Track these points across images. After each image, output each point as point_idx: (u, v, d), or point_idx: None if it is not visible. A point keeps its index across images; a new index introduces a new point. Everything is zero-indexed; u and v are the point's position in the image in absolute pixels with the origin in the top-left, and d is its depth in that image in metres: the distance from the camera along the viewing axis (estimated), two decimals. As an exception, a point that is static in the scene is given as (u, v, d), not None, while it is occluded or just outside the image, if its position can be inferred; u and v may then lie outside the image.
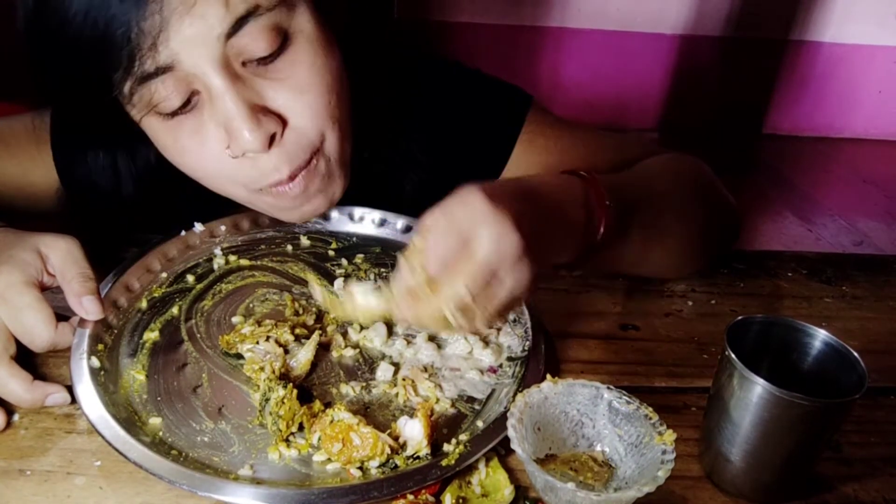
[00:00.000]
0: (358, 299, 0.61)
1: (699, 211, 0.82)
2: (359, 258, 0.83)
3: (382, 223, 0.88)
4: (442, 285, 0.54)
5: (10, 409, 0.62)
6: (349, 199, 0.85)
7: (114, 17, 0.59)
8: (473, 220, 0.54)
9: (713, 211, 0.85)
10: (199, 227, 0.83)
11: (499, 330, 0.72)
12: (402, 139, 0.90)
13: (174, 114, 0.66)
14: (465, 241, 0.54)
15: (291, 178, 0.71)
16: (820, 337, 0.59)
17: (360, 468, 0.57)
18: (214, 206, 0.84)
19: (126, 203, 0.83)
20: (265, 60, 0.66)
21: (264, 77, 0.67)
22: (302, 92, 0.68)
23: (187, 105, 0.66)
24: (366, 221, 0.88)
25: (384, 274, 0.81)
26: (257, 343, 0.67)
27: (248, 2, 0.62)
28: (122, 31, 0.60)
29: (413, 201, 0.89)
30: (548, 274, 0.65)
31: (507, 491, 0.57)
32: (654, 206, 0.75)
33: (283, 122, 0.68)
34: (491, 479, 0.58)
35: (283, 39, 0.66)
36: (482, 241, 0.53)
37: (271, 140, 0.68)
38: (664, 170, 0.83)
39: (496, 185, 0.58)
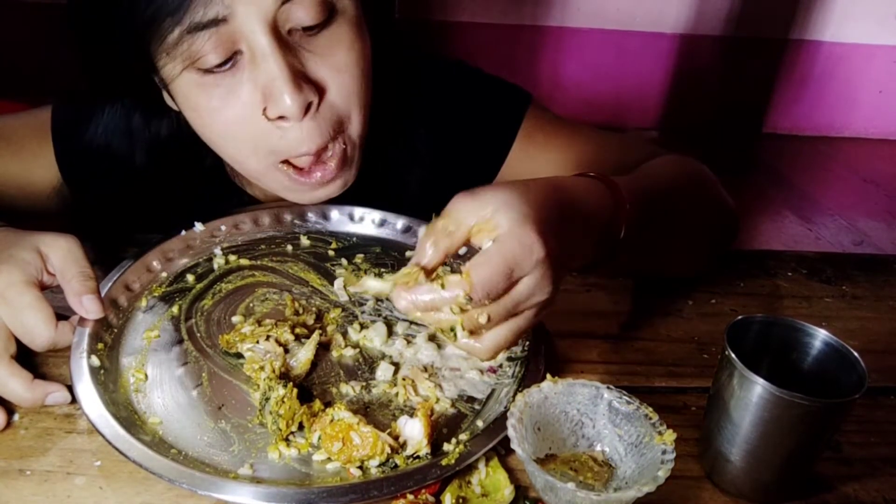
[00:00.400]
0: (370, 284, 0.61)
1: (702, 213, 0.83)
2: (359, 258, 0.83)
3: (382, 223, 0.88)
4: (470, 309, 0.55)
5: (10, 409, 0.62)
6: (353, 197, 0.86)
7: None
8: (524, 263, 0.54)
9: (714, 212, 0.85)
10: (199, 226, 0.83)
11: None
12: (406, 137, 0.90)
13: (212, 71, 0.67)
14: (510, 277, 0.54)
15: (317, 154, 0.72)
16: (820, 337, 0.59)
17: (360, 467, 0.57)
18: (214, 191, 0.84)
19: (130, 182, 0.83)
20: (309, 31, 0.68)
21: (308, 49, 0.69)
22: (339, 71, 0.71)
23: (227, 63, 0.67)
24: (366, 221, 0.88)
25: (384, 274, 0.81)
26: (257, 342, 0.67)
27: None
28: None
29: (416, 198, 0.90)
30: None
31: (507, 491, 0.57)
32: (663, 209, 0.75)
33: (320, 93, 0.70)
34: (491, 478, 0.58)
35: (329, 14, 0.68)
36: (528, 281, 0.55)
37: (307, 109, 0.69)
38: (668, 172, 0.83)
39: (542, 204, 0.57)
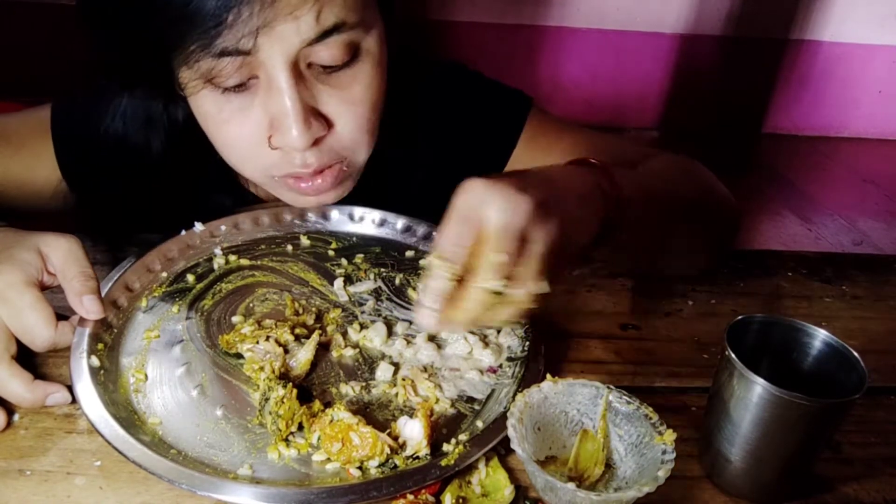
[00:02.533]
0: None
1: (703, 209, 0.83)
2: (359, 258, 0.83)
3: (382, 223, 0.88)
4: (475, 268, 0.54)
5: (10, 409, 0.62)
6: (355, 201, 0.86)
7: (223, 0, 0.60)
8: (479, 201, 0.54)
9: (716, 209, 0.86)
10: (199, 226, 0.83)
11: (498, 331, 0.72)
12: (408, 141, 0.90)
13: (226, 89, 0.67)
14: (478, 223, 0.54)
15: (315, 172, 0.73)
16: (820, 337, 0.59)
17: (360, 468, 0.57)
18: (217, 188, 0.85)
19: (131, 178, 0.84)
20: (331, 69, 0.68)
21: (323, 83, 0.69)
22: (354, 105, 0.71)
23: (243, 85, 0.67)
24: (366, 221, 0.88)
25: (384, 274, 0.81)
26: (257, 343, 0.67)
27: (337, 17, 0.65)
28: (224, 14, 0.60)
29: (418, 202, 0.90)
30: (573, 257, 0.65)
31: (507, 491, 0.57)
32: (659, 203, 0.75)
33: (329, 126, 0.70)
34: (491, 479, 0.58)
35: (352, 55, 0.69)
36: (492, 212, 0.54)
37: (313, 143, 0.70)
38: (667, 170, 0.84)
39: (497, 174, 0.58)
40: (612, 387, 0.60)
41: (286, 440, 0.60)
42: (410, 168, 0.91)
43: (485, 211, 0.54)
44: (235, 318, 0.73)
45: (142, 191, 0.85)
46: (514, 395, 0.61)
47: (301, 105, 0.66)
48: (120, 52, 0.70)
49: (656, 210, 0.73)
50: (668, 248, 0.81)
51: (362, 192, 0.84)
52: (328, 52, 0.66)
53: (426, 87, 0.91)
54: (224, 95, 0.68)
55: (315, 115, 0.69)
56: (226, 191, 0.90)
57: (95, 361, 0.64)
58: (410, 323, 0.74)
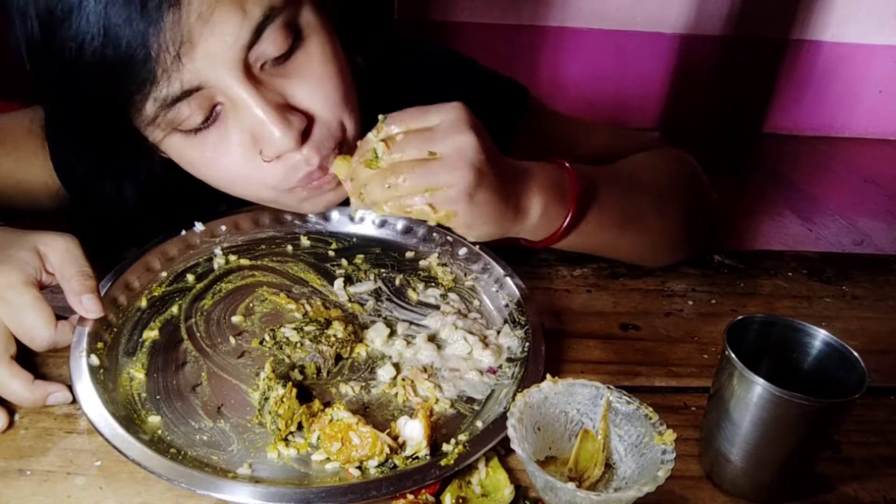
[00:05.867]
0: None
1: (678, 203, 0.84)
2: (359, 258, 0.83)
3: (382, 224, 0.88)
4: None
5: (11, 409, 0.62)
6: None
7: (132, 36, 0.58)
8: (442, 109, 0.65)
9: (692, 205, 0.87)
10: (199, 226, 0.83)
11: (498, 332, 0.72)
12: None
13: (197, 129, 0.66)
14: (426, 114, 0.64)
15: (321, 168, 0.71)
16: (820, 337, 0.59)
17: (359, 468, 0.57)
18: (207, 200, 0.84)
19: (129, 210, 0.82)
20: (281, 59, 0.66)
21: (282, 75, 0.67)
22: (320, 83, 0.69)
23: (210, 118, 0.66)
24: (366, 222, 0.88)
25: (384, 274, 0.81)
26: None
27: (262, 6, 0.62)
28: (142, 50, 0.59)
29: None
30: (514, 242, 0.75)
31: (507, 491, 0.57)
32: (633, 195, 0.79)
33: (309, 116, 0.69)
34: (491, 478, 0.58)
35: (295, 36, 0.67)
36: (442, 116, 0.64)
37: (301, 137, 0.68)
38: (648, 162, 0.85)
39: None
40: (612, 387, 0.60)
41: (286, 440, 0.60)
42: None
43: (441, 112, 0.65)
44: (235, 318, 0.73)
45: (132, 197, 0.84)
46: (514, 395, 0.61)
47: (272, 106, 0.64)
48: (83, 123, 0.69)
49: (621, 206, 0.77)
50: (628, 242, 0.83)
51: None
52: (272, 44, 0.64)
53: (418, 74, 0.91)
54: (199, 137, 0.67)
55: (289, 110, 0.67)
56: (220, 201, 0.89)
57: (95, 360, 0.64)
58: (411, 323, 0.74)
